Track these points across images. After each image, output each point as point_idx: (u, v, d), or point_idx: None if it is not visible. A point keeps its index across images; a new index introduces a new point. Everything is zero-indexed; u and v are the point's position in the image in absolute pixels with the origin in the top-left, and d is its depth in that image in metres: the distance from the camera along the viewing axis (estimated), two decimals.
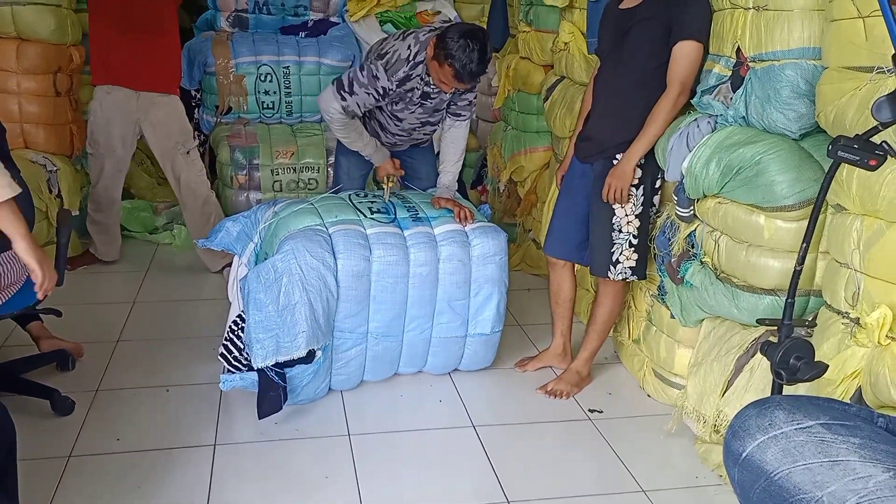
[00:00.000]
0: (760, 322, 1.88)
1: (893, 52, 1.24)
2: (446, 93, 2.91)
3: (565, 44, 3.55)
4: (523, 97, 4.16)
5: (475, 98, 3.10)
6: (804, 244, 1.62)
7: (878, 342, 1.74)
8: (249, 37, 4.80)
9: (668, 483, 2.43)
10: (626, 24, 2.65)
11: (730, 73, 2.37)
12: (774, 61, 2.20)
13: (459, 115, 3.08)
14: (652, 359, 2.91)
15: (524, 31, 4.07)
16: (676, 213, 2.61)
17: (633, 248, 2.77)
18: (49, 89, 3.73)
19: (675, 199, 2.59)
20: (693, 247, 2.54)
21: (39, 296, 2.05)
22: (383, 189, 3.09)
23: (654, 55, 2.57)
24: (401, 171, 3.19)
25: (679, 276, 2.55)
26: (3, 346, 3.06)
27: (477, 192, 5.03)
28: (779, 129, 2.23)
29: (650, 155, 2.67)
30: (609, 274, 2.80)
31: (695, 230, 2.55)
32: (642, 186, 2.71)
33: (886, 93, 1.29)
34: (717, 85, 2.41)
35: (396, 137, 3.14)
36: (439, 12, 4.96)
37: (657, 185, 2.76)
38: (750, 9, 2.25)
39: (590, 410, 2.85)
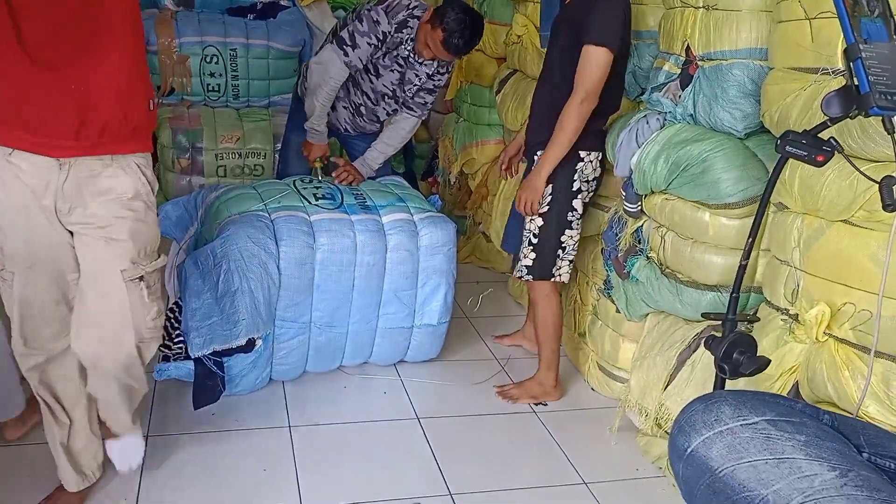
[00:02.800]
0: (705, 316, 1.90)
1: (845, 46, 1.25)
2: (423, 65, 3.01)
3: (518, 37, 3.54)
4: (476, 89, 4.14)
5: (432, 102, 3.19)
6: (750, 239, 1.64)
7: (816, 339, 1.77)
8: (195, 16, 4.68)
9: (609, 475, 2.44)
10: (558, 25, 2.65)
11: (679, 71, 2.38)
12: (722, 60, 2.22)
13: (413, 109, 3.17)
14: (597, 352, 2.93)
15: None
16: (624, 208, 2.62)
17: (531, 247, 2.70)
18: None
19: (623, 194, 2.60)
20: (640, 242, 2.56)
21: None
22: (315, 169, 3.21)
23: (571, 58, 2.49)
24: (325, 159, 3.24)
25: (625, 271, 2.56)
26: None
27: (428, 183, 5.00)
28: (725, 127, 2.25)
29: (572, 158, 2.59)
30: (514, 271, 2.80)
31: (642, 226, 2.57)
32: (550, 185, 2.61)
33: (836, 88, 1.30)
34: (667, 82, 2.42)
35: (364, 98, 3.17)
36: None
37: (574, 188, 2.64)
38: (700, 7, 2.27)
39: (534, 403, 2.85)
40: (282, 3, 4.95)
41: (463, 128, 4.24)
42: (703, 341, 1.71)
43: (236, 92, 4.73)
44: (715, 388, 1.68)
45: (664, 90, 2.42)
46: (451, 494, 2.30)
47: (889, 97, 1.19)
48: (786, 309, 1.91)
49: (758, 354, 1.62)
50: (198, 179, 4.44)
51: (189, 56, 4.56)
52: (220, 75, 4.67)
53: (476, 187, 4.18)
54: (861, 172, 1.44)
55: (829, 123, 1.37)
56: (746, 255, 1.64)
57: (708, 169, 2.19)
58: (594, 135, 2.64)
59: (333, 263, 2.70)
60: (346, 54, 2.94)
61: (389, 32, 2.92)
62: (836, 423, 0.98)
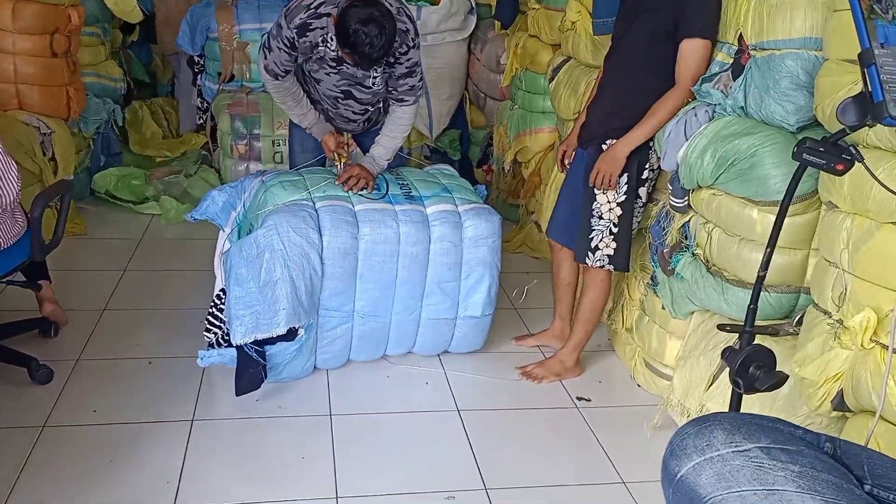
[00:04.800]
0: (721, 328, 1.82)
1: (860, 50, 1.16)
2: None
3: (573, 23, 3.46)
4: (530, 76, 4.07)
5: (419, 81, 2.85)
6: (768, 249, 1.56)
7: (862, 346, 1.68)
8: (254, 3, 4.74)
9: (649, 475, 2.36)
10: (634, 11, 2.59)
11: (731, 61, 2.29)
12: (775, 50, 2.11)
13: (403, 100, 2.86)
14: (644, 349, 2.86)
15: (534, 9, 3.98)
16: (671, 203, 2.54)
17: (612, 237, 2.70)
18: (45, 50, 3.67)
19: (670, 188, 2.52)
20: (686, 238, 2.48)
21: None
22: (335, 165, 3.02)
23: (653, 47, 2.50)
24: (345, 147, 3.02)
25: (670, 268, 2.49)
26: None
27: (482, 170, 4.96)
28: (776, 120, 2.15)
29: (642, 146, 2.60)
30: (587, 260, 2.76)
31: (689, 221, 2.49)
32: (626, 174, 2.63)
33: (851, 94, 1.21)
34: (719, 73, 2.33)
35: (325, 104, 3.00)
36: None
37: (644, 176, 2.67)
38: None
39: (577, 398, 2.81)
40: None
41: (517, 115, 4.18)
42: (720, 353, 1.64)
43: None
44: (731, 403, 1.61)
45: (715, 81, 2.33)
46: (486, 489, 2.29)
47: None
48: (832, 313, 1.81)
49: (777, 369, 1.54)
50: (255, 165, 4.50)
51: (249, 43, 4.63)
52: None
53: (529, 176, 4.13)
54: (882, 184, 1.34)
55: (847, 131, 1.28)
56: (765, 266, 1.56)
57: (756, 164, 2.10)
58: None
59: (377, 254, 2.70)
60: (265, 57, 2.76)
61: (293, 38, 2.65)
62: (838, 451, 0.92)
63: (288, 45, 2.67)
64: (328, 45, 2.67)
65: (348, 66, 2.77)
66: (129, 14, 4.41)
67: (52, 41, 3.68)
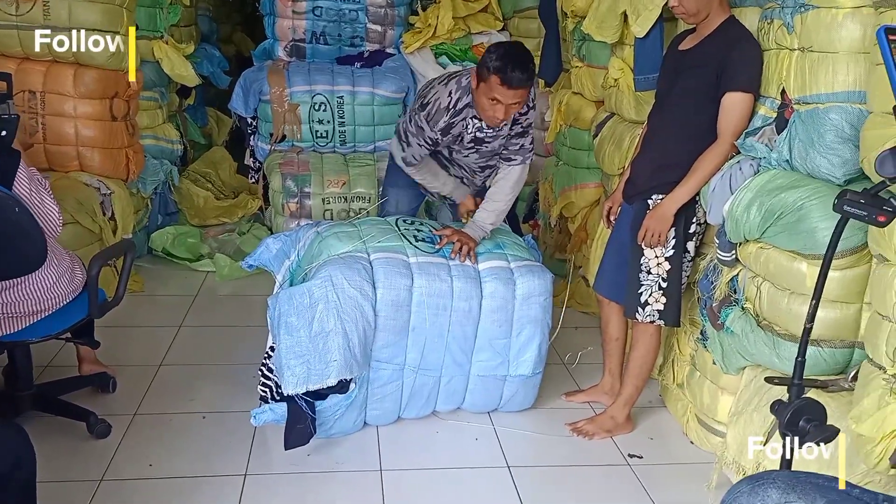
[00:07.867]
0: (768, 381, 1.79)
1: (894, 103, 1.17)
2: (500, 130, 2.87)
3: (615, 80, 3.51)
4: (575, 133, 4.12)
5: (530, 144, 2.97)
6: (814, 301, 1.55)
7: None
8: (305, 66, 4.89)
9: None
10: (679, 67, 2.64)
11: (775, 115, 2.30)
12: (819, 104, 2.13)
13: (511, 159, 2.96)
14: (695, 404, 2.82)
15: (577, 67, 4.04)
16: (718, 257, 2.53)
17: (661, 292, 2.69)
18: (105, 114, 3.81)
19: (717, 242, 2.52)
20: (735, 292, 2.46)
21: None
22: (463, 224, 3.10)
23: (700, 102, 2.53)
24: None
25: (719, 322, 2.47)
26: (48, 366, 3.13)
27: (529, 226, 4.99)
28: (823, 174, 2.15)
29: (690, 200, 2.60)
30: (637, 315, 2.75)
31: (737, 275, 2.47)
32: (673, 229, 2.64)
33: (889, 146, 1.22)
34: (762, 127, 2.34)
35: (461, 176, 3.18)
36: None
37: (691, 230, 2.67)
38: (795, 50, 2.19)
39: (629, 455, 2.77)
40: (387, 50, 5.12)
41: (562, 171, 4.23)
42: (769, 406, 1.62)
43: (343, 138, 4.88)
44: (781, 461, 1.58)
45: (759, 135, 2.34)
46: None
47: None
48: (887, 368, 1.78)
49: (828, 423, 1.51)
50: (305, 223, 4.60)
51: (299, 104, 4.77)
52: (328, 122, 4.85)
53: (575, 231, 4.14)
54: None
55: (887, 183, 1.28)
56: (811, 318, 1.55)
57: (804, 217, 2.10)
58: None
59: (429, 307, 2.72)
60: (402, 150, 2.97)
61: (437, 138, 2.87)
62: None
63: (430, 143, 2.89)
64: (467, 133, 2.86)
65: (486, 145, 2.93)
66: (185, 78, 4.59)
67: (111, 105, 3.82)
